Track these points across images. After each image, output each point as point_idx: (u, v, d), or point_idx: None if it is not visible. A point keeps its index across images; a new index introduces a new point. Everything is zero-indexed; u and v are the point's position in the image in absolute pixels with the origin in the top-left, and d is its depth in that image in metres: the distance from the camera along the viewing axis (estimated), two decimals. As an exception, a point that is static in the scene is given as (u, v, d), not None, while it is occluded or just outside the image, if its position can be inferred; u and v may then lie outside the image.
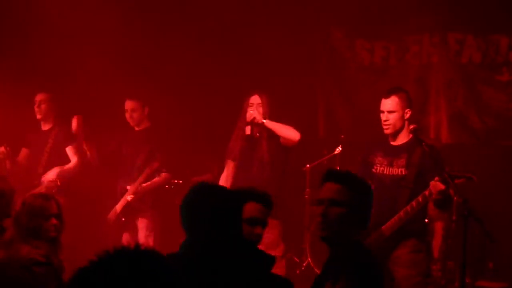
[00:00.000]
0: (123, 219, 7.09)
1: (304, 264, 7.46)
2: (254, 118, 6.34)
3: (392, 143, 5.54)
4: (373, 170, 5.50)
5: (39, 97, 7.40)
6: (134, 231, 7.13)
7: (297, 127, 6.38)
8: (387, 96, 5.51)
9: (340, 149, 7.58)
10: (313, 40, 8.56)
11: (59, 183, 7.14)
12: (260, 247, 6.09)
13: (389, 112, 5.46)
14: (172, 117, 7.87)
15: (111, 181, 7.35)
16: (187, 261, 3.07)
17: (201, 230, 3.22)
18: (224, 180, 6.50)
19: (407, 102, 5.51)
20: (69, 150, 7.34)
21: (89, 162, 7.37)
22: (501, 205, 7.22)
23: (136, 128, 7.28)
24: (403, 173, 5.39)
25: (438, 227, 7.27)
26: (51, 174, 7.18)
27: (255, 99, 6.45)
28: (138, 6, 8.11)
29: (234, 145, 6.56)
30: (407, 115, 5.47)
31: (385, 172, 5.44)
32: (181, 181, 7.46)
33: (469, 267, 6.10)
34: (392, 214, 5.22)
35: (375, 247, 5.07)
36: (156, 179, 7.07)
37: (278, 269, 6.16)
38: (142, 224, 7.10)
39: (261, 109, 6.40)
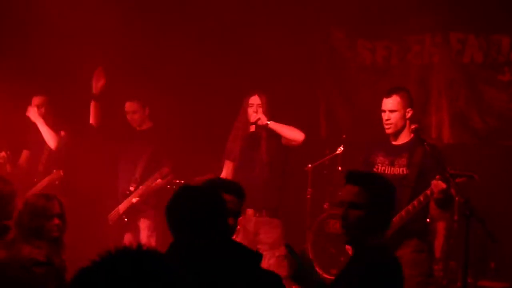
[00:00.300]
0: (126, 219, 7.10)
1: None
2: (259, 119, 6.33)
3: (394, 142, 5.54)
4: (375, 170, 5.49)
5: (36, 101, 7.41)
6: (136, 231, 7.13)
7: (298, 127, 6.38)
8: (388, 95, 5.51)
9: (342, 149, 7.58)
10: (313, 40, 8.56)
11: (62, 174, 7.17)
12: (263, 247, 6.16)
13: (391, 111, 5.46)
14: (173, 117, 7.86)
15: (112, 181, 7.34)
16: (171, 262, 3.07)
17: (184, 232, 3.24)
18: (223, 180, 6.49)
19: (409, 101, 5.51)
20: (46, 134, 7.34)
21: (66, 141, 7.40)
22: (502, 205, 7.22)
23: (138, 129, 7.27)
24: (405, 172, 5.38)
25: (440, 227, 7.26)
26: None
27: (255, 100, 6.44)
28: (138, 6, 8.11)
29: (233, 145, 6.56)
30: (409, 115, 5.47)
31: (386, 171, 5.43)
32: (183, 181, 7.45)
33: (471, 267, 6.07)
34: (393, 214, 5.20)
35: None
36: (159, 181, 7.06)
37: (281, 269, 6.14)
38: (144, 224, 7.10)
39: (261, 110, 6.39)
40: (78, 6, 7.66)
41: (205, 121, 8.26)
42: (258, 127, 6.41)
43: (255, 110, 6.40)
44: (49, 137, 7.30)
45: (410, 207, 5.19)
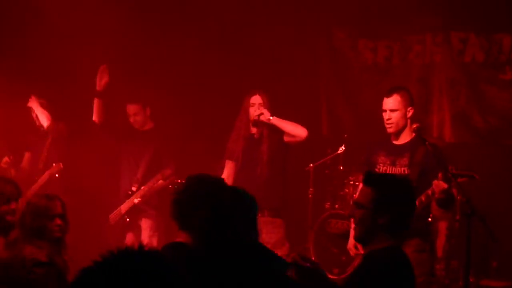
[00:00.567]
0: (128, 219, 7.10)
1: (307, 264, 7.42)
2: (262, 114, 6.32)
3: (395, 142, 5.53)
4: (376, 170, 5.48)
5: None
6: (137, 231, 7.14)
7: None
8: (389, 94, 5.52)
9: (344, 148, 7.57)
10: (315, 40, 8.56)
11: (61, 167, 7.19)
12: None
13: (391, 110, 5.47)
14: (174, 118, 7.86)
15: (113, 181, 7.35)
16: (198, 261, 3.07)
17: (209, 230, 3.22)
18: (225, 180, 6.48)
19: (409, 100, 5.51)
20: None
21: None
22: (504, 204, 7.22)
23: (140, 129, 7.28)
24: (406, 172, 5.38)
25: (442, 226, 7.26)
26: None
27: (256, 99, 6.44)
28: (139, 6, 8.10)
29: (234, 145, 6.54)
30: (410, 114, 5.47)
31: (388, 171, 5.43)
32: (184, 181, 7.45)
33: (473, 266, 6.08)
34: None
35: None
36: (161, 182, 7.06)
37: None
38: (145, 224, 7.10)
39: (262, 109, 6.39)
40: (78, 6, 7.65)
41: (206, 121, 8.26)
42: (260, 124, 6.39)
43: (256, 109, 6.40)
44: (43, 117, 7.37)
45: (411, 207, 5.18)
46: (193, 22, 8.23)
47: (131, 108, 7.23)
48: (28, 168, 7.58)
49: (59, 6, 7.59)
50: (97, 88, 6.95)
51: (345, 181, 7.52)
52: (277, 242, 6.19)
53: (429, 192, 5.12)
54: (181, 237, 3.62)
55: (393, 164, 5.45)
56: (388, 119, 5.49)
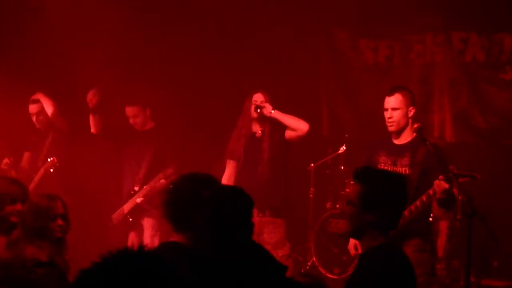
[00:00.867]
0: (130, 219, 7.12)
1: (308, 264, 7.44)
2: (264, 107, 6.30)
3: (396, 142, 5.53)
4: (377, 169, 5.47)
5: (33, 110, 7.44)
6: (139, 230, 7.15)
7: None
8: (391, 93, 5.52)
9: (344, 148, 7.57)
10: (315, 40, 8.55)
11: (56, 161, 7.19)
12: (266, 247, 6.11)
13: (393, 109, 5.47)
14: (174, 117, 7.85)
15: (115, 180, 7.34)
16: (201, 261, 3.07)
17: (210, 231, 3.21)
18: (226, 180, 6.48)
19: (411, 100, 5.52)
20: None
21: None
22: (505, 204, 7.21)
23: (140, 129, 7.29)
24: (407, 172, 5.38)
25: (443, 226, 7.25)
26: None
27: (258, 97, 6.44)
28: (139, 6, 8.09)
29: (236, 144, 6.54)
30: (411, 113, 5.47)
31: (389, 171, 5.42)
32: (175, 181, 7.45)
33: (474, 266, 6.08)
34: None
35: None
36: (163, 181, 7.06)
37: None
38: (148, 224, 7.11)
39: (264, 103, 6.38)
40: (78, 6, 7.65)
41: (207, 121, 8.25)
42: (262, 119, 6.37)
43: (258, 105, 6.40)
44: (49, 105, 7.38)
45: (412, 207, 5.18)
46: (193, 22, 8.22)
47: (130, 110, 7.24)
48: (28, 167, 7.58)
49: (59, 6, 7.59)
50: (90, 105, 7.04)
51: (346, 181, 7.52)
52: (278, 242, 6.18)
53: (430, 192, 5.11)
54: (176, 237, 3.61)
55: (394, 164, 5.45)
56: (389, 118, 5.49)
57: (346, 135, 7.77)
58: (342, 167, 7.66)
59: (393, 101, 5.48)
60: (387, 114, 5.51)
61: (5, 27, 7.83)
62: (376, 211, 3.47)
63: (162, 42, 8.23)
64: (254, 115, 6.40)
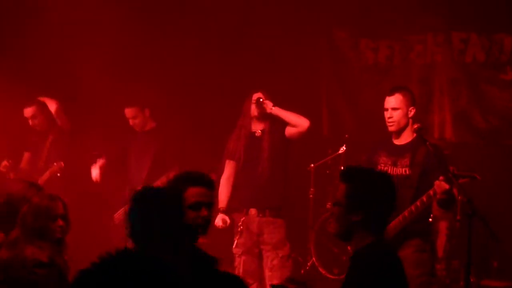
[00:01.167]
0: None
1: (308, 264, 7.44)
2: (264, 103, 6.28)
3: (396, 142, 5.53)
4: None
5: (28, 113, 7.44)
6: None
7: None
8: (391, 93, 5.52)
9: (344, 148, 7.57)
10: (315, 40, 8.55)
11: (63, 165, 7.19)
12: (267, 247, 6.15)
13: (393, 109, 5.47)
14: (175, 117, 7.85)
15: (117, 180, 7.35)
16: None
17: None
18: (225, 180, 6.47)
19: (411, 100, 5.51)
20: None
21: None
22: (504, 204, 7.21)
23: (141, 130, 7.29)
24: (407, 172, 5.37)
25: (443, 226, 7.25)
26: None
27: (258, 95, 6.42)
28: (138, 6, 8.09)
29: (236, 144, 6.52)
30: (411, 113, 5.47)
31: (389, 172, 5.41)
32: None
33: (474, 266, 6.08)
34: (396, 214, 5.20)
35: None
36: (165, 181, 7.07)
37: (285, 269, 6.15)
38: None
39: (264, 100, 6.37)
40: (78, 6, 7.65)
41: (207, 121, 8.25)
42: (262, 116, 6.35)
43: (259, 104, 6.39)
44: (52, 103, 7.39)
45: (413, 207, 5.18)
46: (193, 22, 8.22)
47: (129, 112, 7.25)
48: (27, 168, 7.58)
49: (59, 6, 7.59)
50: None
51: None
52: (278, 243, 6.18)
53: (431, 192, 5.11)
54: None
55: (394, 164, 5.44)
56: (389, 118, 5.49)
57: (346, 135, 7.77)
58: (342, 168, 7.65)
59: (393, 101, 5.48)
60: (387, 114, 5.50)
61: (5, 27, 7.83)
62: (362, 210, 3.43)
63: (162, 42, 8.23)
64: (255, 113, 6.38)
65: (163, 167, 7.06)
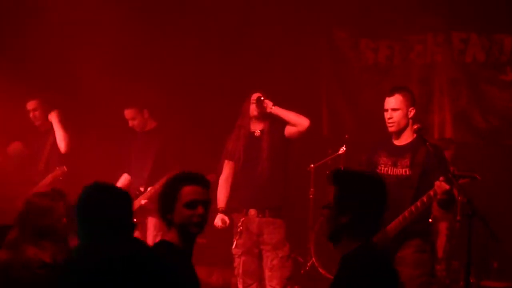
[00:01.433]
0: (135, 220, 7.11)
1: (308, 264, 7.44)
2: (264, 101, 6.27)
3: (396, 143, 5.52)
4: (378, 170, 5.46)
5: (30, 106, 7.43)
6: (143, 230, 7.15)
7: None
8: (391, 94, 5.50)
9: (344, 149, 7.57)
10: (315, 40, 8.55)
11: (66, 170, 7.18)
12: (266, 247, 6.14)
13: (393, 109, 5.45)
14: (175, 117, 7.86)
15: (117, 181, 7.35)
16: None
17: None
18: (224, 180, 6.46)
19: (411, 100, 5.50)
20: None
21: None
22: (504, 204, 7.22)
23: (142, 131, 7.29)
24: (407, 173, 5.36)
25: (443, 227, 7.25)
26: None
27: (257, 95, 6.41)
28: (138, 6, 8.09)
29: (235, 144, 6.51)
30: (411, 114, 5.45)
31: (389, 172, 5.41)
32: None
33: (474, 267, 6.08)
34: (396, 215, 5.20)
35: (379, 248, 5.04)
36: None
37: (285, 269, 6.14)
38: (150, 223, 7.13)
39: (264, 99, 6.37)
40: (78, 5, 7.65)
41: (209, 121, 8.25)
42: (262, 115, 6.34)
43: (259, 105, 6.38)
44: (61, 139, 7.33)
45: (413, 208, 5.17)
46: (193, 22, 8.22)
47: (128, 113, 7.25)
48: (15, 155, 7.53)
49: (59, 6, 7.59)
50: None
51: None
52: (278, 243, 6.16)
53: (431, 193, 5.10)
54: (168, 236, 3.70)
55: (395, 165, 5.43)
56: (389, 118, 5.47)
57: (346, 136, 7.77)
58: (342, 168, 7.65)
59: (393, 102, 5.47)
60: (387, 115, 5.49)
61: (5, 27, 7.83)
62: (351, 213, 3.39)
63: (162, 42, 8.23)
64: (254, 112, 6.37)
65: (165, 167, 7.04)
